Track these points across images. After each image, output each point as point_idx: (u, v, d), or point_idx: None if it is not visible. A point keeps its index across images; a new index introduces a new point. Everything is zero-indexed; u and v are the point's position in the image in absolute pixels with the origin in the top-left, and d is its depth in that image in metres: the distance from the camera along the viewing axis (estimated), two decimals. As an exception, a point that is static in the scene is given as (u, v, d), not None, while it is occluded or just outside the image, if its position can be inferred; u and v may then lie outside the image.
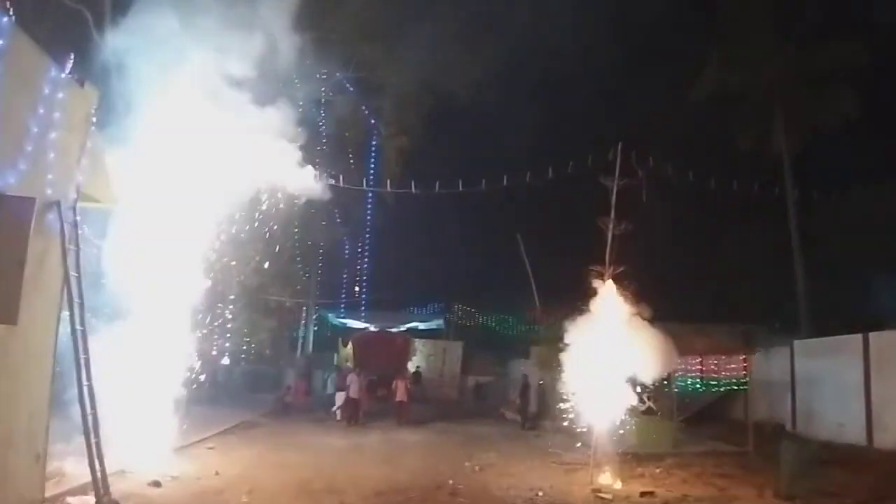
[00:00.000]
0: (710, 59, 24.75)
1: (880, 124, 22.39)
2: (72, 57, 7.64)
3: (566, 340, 12.59)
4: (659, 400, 17.39)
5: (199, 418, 14.96)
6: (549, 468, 13.23)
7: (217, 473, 11.25)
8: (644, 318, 12.29)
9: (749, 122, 24.84)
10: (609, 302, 12.37)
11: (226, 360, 22.45)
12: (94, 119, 8.26)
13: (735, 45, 24.14)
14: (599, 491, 11.08)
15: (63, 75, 7.51)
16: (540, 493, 10.86)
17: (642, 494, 10.92)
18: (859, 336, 16.92)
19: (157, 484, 9.90)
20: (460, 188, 13.93)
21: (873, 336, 16.59)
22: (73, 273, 8.00)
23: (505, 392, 26.95)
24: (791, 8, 22.91)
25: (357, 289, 34.40)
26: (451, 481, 11.47)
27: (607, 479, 11.83)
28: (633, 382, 12.71)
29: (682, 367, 21.76)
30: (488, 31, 23.06)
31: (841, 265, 23.68)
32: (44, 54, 7.40)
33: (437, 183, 13.95)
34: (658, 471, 13.09)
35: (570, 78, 29.68)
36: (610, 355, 12.01)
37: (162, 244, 10.76)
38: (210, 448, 13.93)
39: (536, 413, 21.20)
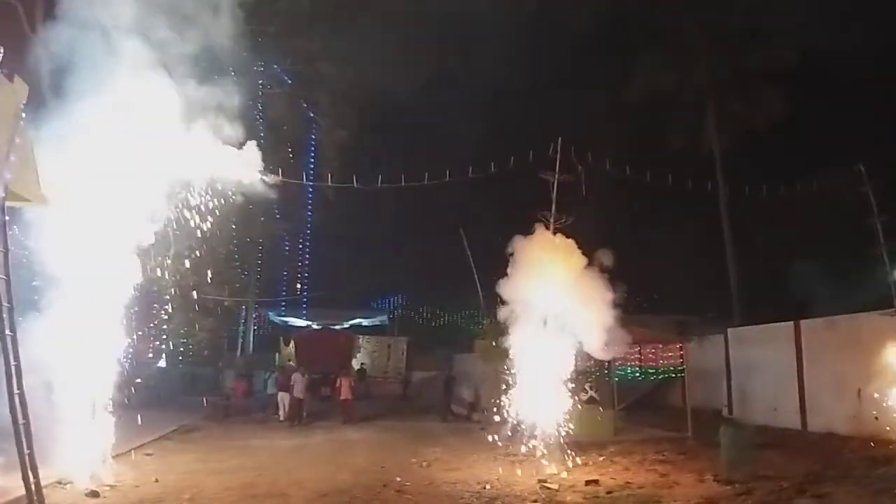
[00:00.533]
0: (644, 59, 25.43)
1: (807, 123, 23.50)
2: (1, 50, 7.22)
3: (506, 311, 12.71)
4: (599, 389, 17.82)
5: (136, 423, 14.48)
6: (495, 461, 13.32)
7: (156, 480, 10.92)
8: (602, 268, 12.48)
9: (682, 120, 25.67)
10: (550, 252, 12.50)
11: (162, 363, 21.73)
12: (24, 114, 7.85)
13: (668, 46, 24.88)
14: (545, 481, 11.24)
15: (-9, 70, 7.14)
16: (487, 487, 10.94)
17: (587, 483, 11.13)
18: (791, 324, 17.66)
19: (94, 494, 9.54)
20: (403, 183, 13.81)
21: (804, 324, 17.36)
22: (1, 276, 7.62)
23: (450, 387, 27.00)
24: (723, 10, 23.72)
25: (298, 286, 33.84)
26: (397, 478, 11.43)
27: (552, 469, 12.05)
28: (580, 354, 12.92)
29: (621, 356, 22.50)
30: (428, 28, 23.04)
31: (769, 256, 24.77)
32: (-29, 46, 7.02)
33: (380, 177, 13.80)
34: (601, 459, 13.40)
35: (511, 78, 29.97)
36: (555, 319, 12.14)
37: (92, 243, 10.31)
38: (148, 454, 13.51)
39: (475, 405, 21.42)
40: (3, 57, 7.46)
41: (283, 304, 34.94)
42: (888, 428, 13.69)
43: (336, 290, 33.27)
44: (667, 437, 16.09)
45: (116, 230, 10.57)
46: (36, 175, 8.41)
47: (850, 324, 15.56)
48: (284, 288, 34.69)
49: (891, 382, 14.02)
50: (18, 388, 7.76)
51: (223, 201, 12.94)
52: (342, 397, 21.44)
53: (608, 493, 10.60)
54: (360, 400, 23.65)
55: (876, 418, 14.14)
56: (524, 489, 10.82)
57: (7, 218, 7.80)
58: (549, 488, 10.88)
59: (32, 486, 7.64)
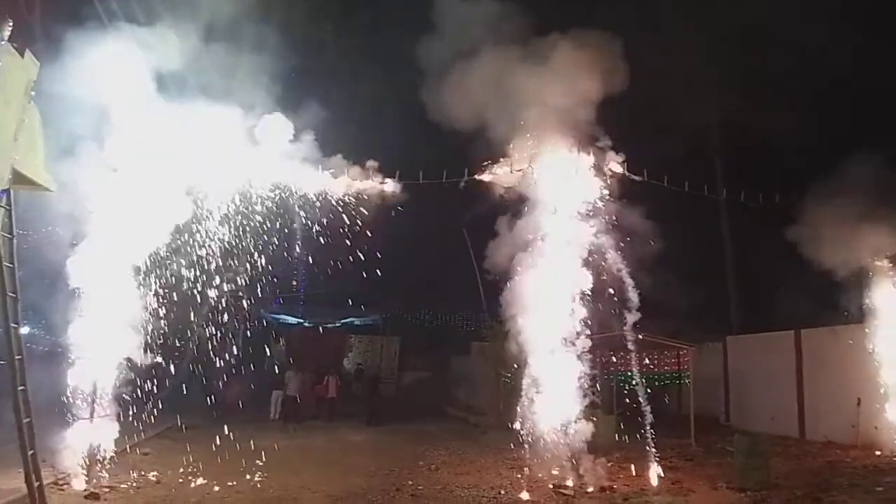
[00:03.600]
0: (644, 64, 25.06)
1: (814, 131, 23.24)
2: (10, 23, 6.75)
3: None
4: (600, 393, 17.58)
5: (129, 422, 13.91)
6: (502, 465, 13.06)
7: (158, 482, 10.49)
8: None
9: (682, 126, 25.39)
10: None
11: (158, 359, 21.05)
12: (33, 93, 7.38)
13: (668, 51, 24.56)
14: (560, 487, 10.97)
15: (1, 42, 6.66)
16: (502, 492, 10.71)
17: (602, 489, 10.93)
18: (791, 333, 17.65)
19: (94, 496, 9.10)
20: (420, 180, 13.49)
21: (805, 332, 17.34)
22: (6, 263, 7.16)
23: (445, 389, 26.67)
24: (725, 14, 23.42)
25: (294, 283, 33.04)
26: (409, 482, 11.15)
27: (562, 474, 11.74)
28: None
29: (620, 361, 22.32)
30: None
31: (768, 265, 24.65)
32: (-20, 17, 6.57)
33: (398, 173, 13.50)
34: (609, 465, 13.10)
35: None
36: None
37: (99, 234, 9.91)
38: (145, 454, 13.03)
39: (472, 408, 21.13)
40: (11, 29, 6.96)
41: (278, 300, 34.15)
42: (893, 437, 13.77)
43: (329, 287, 32.63)
44: (669, 443, 15.78)
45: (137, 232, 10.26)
46: (42, 158, 7.93)
47: (852, 333, 15.42)
48: (278, 285, 33.87)
49: (890, 392, 14.05)
50: (22, 384, 7.29)
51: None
52: (328, 395, 21.55)
53: (625, 499, 10.46)
54: (356, 400, 23.27)
55: (876, 428, 14.20)
56: (540, 495, 10.60)
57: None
58: (564, 494, 10.63)
59: (35, 489, 7.17)
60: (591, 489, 10.96)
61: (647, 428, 17.58)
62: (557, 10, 15.74)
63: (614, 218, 13.06)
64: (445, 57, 12.74)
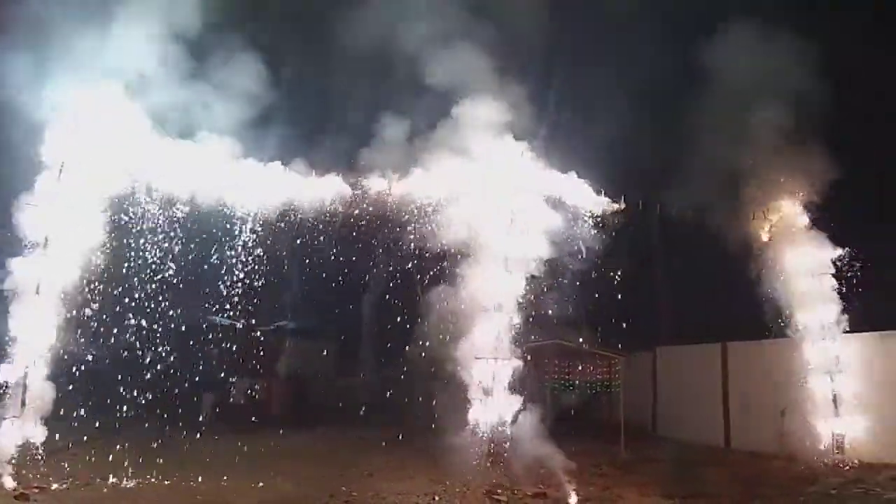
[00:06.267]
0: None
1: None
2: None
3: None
4: (533, 400, 17.95)
5: (59, 420, 13.46)
6: (437, 471, 13.15)
7: (88, 484, 10.26)
8: None
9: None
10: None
11: (89, 357, 20.31)
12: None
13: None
14: (493, 493, 11.22)
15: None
16: (435, 498, 10.84)
17: (535, 496, 11.22)
18: (718, 345, 18.31)
19: (24, 497, 8.86)
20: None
21: (731, 345, 18.04)
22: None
23: (382, 394, 26.54)
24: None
25: (229, 284, 32.23)
26: (343, 488, 11.16)
27: (496, 480, 12.01)
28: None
29: (554, 369, 22.85)
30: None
31: (695, 278, 25.58)
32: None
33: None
34: (542, 471, 13.43)
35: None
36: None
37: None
38: (73, 454, 12.66)
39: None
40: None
41: (211, 301, 33.17)
42: (816, 448, 14.46)
43: (265, 289, 32.02)
44: (599, 450, 16.24)
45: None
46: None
47: (776, 347, 16.12)
48: (211, 285, 32.96)
49: (814, 404, 14.84)
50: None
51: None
52: (266, 399, 21.87)
53: (557, 505, 10.73)
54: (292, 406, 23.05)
55: (799, 439, 14.78)
56: (472, 500, 10.80)
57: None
58: (498, 499, 10.88)
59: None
60: (523, 495, 11.22)
61: (576, 435, 18.30)
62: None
63: (548, 228, 13.50)
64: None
